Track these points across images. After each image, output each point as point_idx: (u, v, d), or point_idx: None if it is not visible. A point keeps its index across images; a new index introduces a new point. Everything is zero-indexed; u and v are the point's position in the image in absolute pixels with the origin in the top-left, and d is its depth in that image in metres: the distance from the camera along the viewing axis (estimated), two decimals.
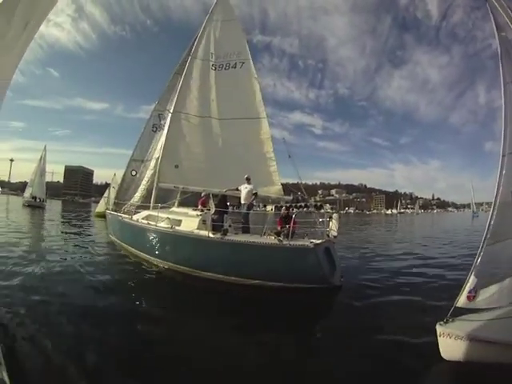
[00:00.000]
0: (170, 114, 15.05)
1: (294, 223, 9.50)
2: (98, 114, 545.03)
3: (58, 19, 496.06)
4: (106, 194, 34.09)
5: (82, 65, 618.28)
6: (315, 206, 12.68)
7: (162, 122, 16.08)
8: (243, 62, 14.86)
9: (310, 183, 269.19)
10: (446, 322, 5.05)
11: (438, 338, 4.99)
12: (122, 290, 8.85)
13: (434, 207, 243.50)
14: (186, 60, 15.50)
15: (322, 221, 10.26)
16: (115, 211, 16.17)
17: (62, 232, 22.49)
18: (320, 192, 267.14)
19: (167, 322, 6.70)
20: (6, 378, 2.20)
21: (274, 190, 13.45)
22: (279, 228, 10.28)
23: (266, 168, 13.61)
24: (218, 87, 14.89)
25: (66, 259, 12.00)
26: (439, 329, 5.00)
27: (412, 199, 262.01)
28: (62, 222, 30.68)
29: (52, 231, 22.27)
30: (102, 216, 29.33)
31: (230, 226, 11.31)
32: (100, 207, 35.50)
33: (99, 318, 6.56)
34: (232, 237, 10.01)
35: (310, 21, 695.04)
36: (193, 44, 15.64)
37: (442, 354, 4.97)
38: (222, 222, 10.75)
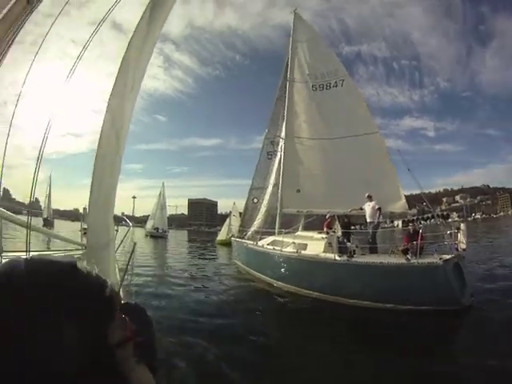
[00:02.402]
0: (281, 140, 15.73)
1: (421, 239, 9.27)
2: (213, 150, 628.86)
3: (151, 71, 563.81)
4: (227, 223, 36.90)
5: (186, 107, 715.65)
6: (442, 215, 12.09)
7: (276, 148, 16.71)
8: (343, 80, 15.09)
9: (434, 191, 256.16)
10: None
11: None
12: (247, 314, 9.35)
13: None
14: (284, 84, 16.27)
15: (450, 233, 9.77)
16: (240, 238, 17.09)
17: (189, 258, 25.22)
18: (444, 200, 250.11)
19: (294, 349, 6.93)
20: None
21: (399, 205, 13.05)
22: (406, 245, 10.04)
23: (388, 183, 13.27)
24: (323, 108, 15.18)
25: (192, 283, 13.28)
26: None
27: None
28: (188, 251, 33.58)
29: (179, 257, 24.71)
30: (224, 243, 32.14)
31: (356, 246, 11.28)
32: (221, 235, 37.57)
33: (226, 335, 7.36)
34: (359, 258, 10.04)
35: (388, 19, 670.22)
36: (286, 69, 16.35)
37: None
38: (349, 244, 10.89)
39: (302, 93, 15.76)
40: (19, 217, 3.28)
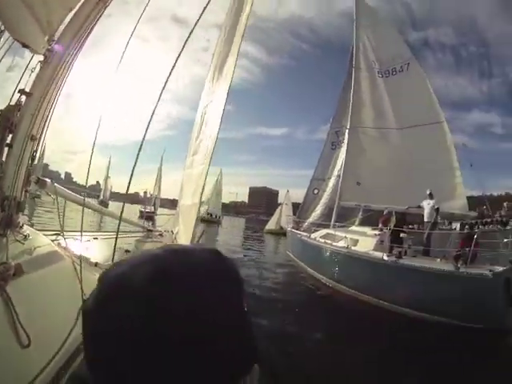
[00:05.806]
0: (347, 130, 15.22)
1: (475, 245, 8.49)
2: (280, 139, 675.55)
3: None
4: (277, 212, 37.20)
5: (253, 96, 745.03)
6: (500, 221, 11.12)
7: (341, 138, 16.16)
8: (408, 63, 14.69)
9: (496, 194, 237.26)
10: None
11: None
12: (287, 310, 9.21)
13: None
14: (351, 72, 15.84)
15: (507, 242, 8.62)
16: (296, 229, 16.80)
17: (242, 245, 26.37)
18: (505, 204, 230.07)
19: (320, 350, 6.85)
20: None
21: (459, 205, 12.42)
22: (459, 250, 9.16)
23: (449, 180, 12.80)
24: (389, 95, 14.70)
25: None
26: None
27: None
28: (242, 237, 34.30)
29: (230, 243, 26.19)
30: (272, 233, 33.21)
31: (409, 247, 10.65)
32: (270, 224, 38.16)
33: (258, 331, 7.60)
34: (406, 260, 9.39)
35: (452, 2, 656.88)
36: (352, 56, 15.93)
37: None
38: (401, 244, 10.30)
39: (368, 81, 15.41)
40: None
